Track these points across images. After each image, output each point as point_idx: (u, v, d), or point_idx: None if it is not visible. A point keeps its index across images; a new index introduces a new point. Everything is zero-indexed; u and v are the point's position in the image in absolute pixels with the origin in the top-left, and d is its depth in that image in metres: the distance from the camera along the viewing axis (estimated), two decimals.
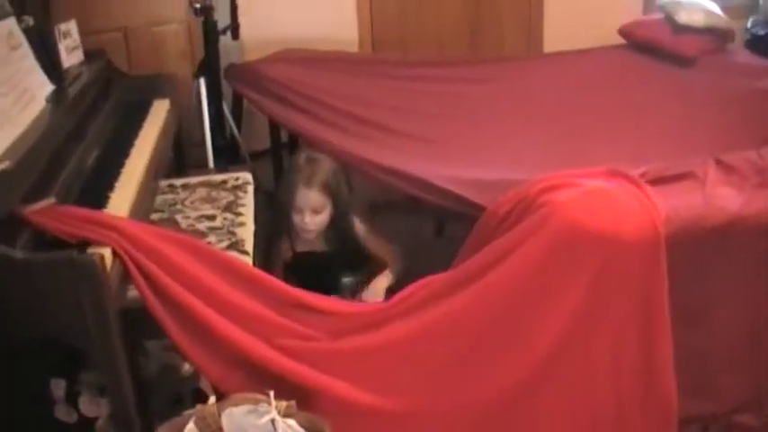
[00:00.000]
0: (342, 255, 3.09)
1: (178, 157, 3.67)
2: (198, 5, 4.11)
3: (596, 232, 2.43)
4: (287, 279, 2.84)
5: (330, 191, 3.00)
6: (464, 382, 2.46)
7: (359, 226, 3.11)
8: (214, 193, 3.15)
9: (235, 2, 4.23)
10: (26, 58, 2.75)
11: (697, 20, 4.42)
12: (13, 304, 1.97)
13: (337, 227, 3.07)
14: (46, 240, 2.07)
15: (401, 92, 4.16)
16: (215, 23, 4.13)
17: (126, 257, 2.12)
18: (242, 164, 4.11)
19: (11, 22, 2.76)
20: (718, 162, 2.86)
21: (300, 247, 3.12)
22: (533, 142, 3.67)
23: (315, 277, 2.92)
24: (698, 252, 2.54)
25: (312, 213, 2.99)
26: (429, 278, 2.57)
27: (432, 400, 2.43)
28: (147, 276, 2.17)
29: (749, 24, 5.07)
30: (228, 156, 4.25)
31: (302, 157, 3.13)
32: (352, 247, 3.09)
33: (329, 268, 3.09)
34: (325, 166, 3.05)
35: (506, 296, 2.47)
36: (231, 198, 3.12)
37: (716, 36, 4.46)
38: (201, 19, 4.13)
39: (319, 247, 3.11)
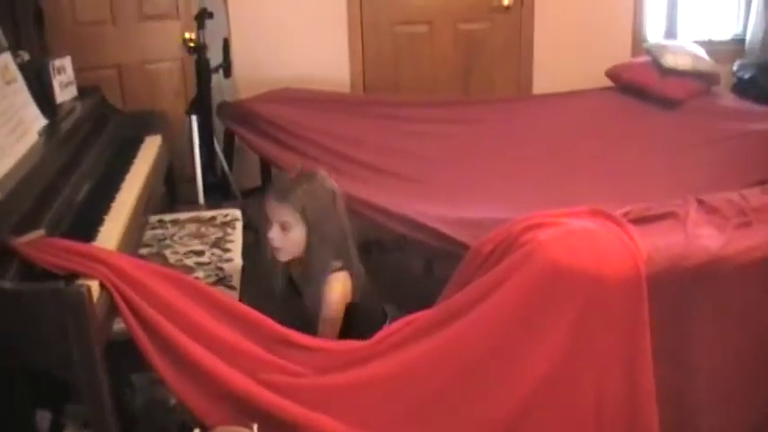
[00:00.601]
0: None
1: (169, 192, 3.71)
2: (191, 44, 4.17)
3: (579, 271, 2.45)
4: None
5: (305, 212, 2.71)
6: (448, 419, 2.46)
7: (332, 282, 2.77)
8: (203, 229, 3.18)
9: (228, 41, 4.28)
10: (21, 93, 2.80)
11: (683, 63, 4.48)
12: (0, 334, 1.99)
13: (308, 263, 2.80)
14: (35, 272, 2.09)
15: (391, 132, 4.19)
16: (208, 62, 4.18)
17: (113, 290, 2.15)
18: (233, 201, 4.14)
19: (6, 57, 2.81)
20: (700, 202, 2.89)
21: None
22: (520, 182, 3.72)
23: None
24: (679, 291, 2.55)
25: (280, 229, 2.73)
26: (413, 315, 2.59)
27: None
28: (134, 309, 2.19)
29: (735, 68, 5.13)
30: (219, 192, 4.28)
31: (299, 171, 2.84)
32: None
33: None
34: (312, 188, 2.76)
35: (489, 334, 2.48)
36: (220, 234, 3.14)
37: (702, 79, 4.52)
38: (195, 57, 4.17)
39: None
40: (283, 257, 2.78)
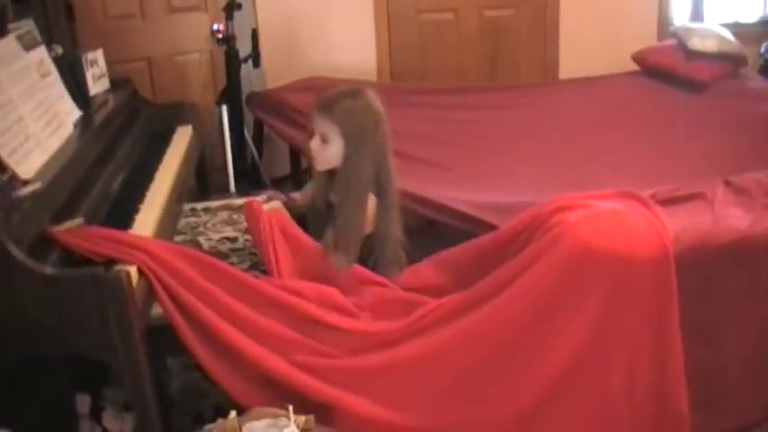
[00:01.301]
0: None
1: (201, 181, 3.76)
2: (220, 35, 4.21)
3: (607, 252, 2.48)
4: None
5: (344, 127, 2.73)
6: (479, 399, 2.49)
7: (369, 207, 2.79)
8: (235, 216, 3.23)
9: (256, 31, 4.32)
10: (55, 85, 2.86)
11: (709, 46, 4.46)
12: (42, 320, 2.05)
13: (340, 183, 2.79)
14: (74, 259, 2.15)
15: (418, 119, 4.21)
16: (237, 52, 4.22)
17: (151, 275, 2.20)
18: (263, 188, 4.19)
19: (41, 51, 2.87)
20: (728, 183, 2.90)
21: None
22: (547, 167, 3.73)
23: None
24: (707, 270, 2.57)
25: (320, 140, 2.76)
26: (445, 298, 2.62)
27: (447, 417, 2.46)
28: (172, 294, 2.25)
29: (762, 50, 5.10)
30: (249, 180, 4.33)
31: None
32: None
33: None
34: (353, 104, 2.76)
35: (520, 315, 2.51)
36: None
37: (728, 61, 4.49)
38: (224, 48, 4.22)
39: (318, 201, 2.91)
40: (320, 167, 2.83)
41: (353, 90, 2.81)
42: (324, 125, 2.75)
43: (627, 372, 2.52)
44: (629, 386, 2.53)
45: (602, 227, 2.55)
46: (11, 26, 2.87)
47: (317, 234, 2.80)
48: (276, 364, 2.35)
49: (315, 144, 2.78)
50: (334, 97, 2.78)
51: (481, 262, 2.74)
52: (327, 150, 2.77)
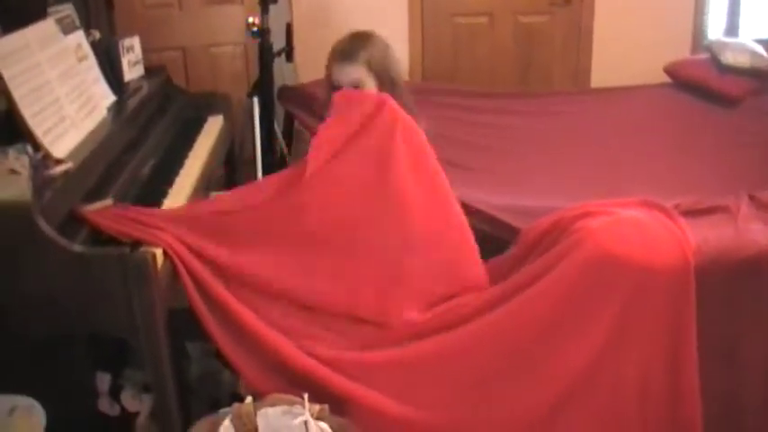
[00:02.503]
0: None
1: (229, 172, 3.80)
2: (255, 29, 4.25)
3: (627, 259, 2.49)
4: None
5: (376, 67, 2.80)
6: (493, 400, 2.51)
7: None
8: None
9: (291, 25, 4.35)
10: (92, 70, 2.91)
11: (742, 61, 4.43)
12: (68, 297, 2.10)
13: None
14: (102, 239, 2.19)
15: (449, 120, 4.22)
16: (271, 46, 4.25)
17: (176, 258, 2.24)
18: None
19: (79, 35, 2.92)
20: (752, 197, 2.90)
21: None
22: (575, 174, 3.73)
23: None
24: (727, 285, 2.56)
25: (354, 88, 2.77)
26: (464, 297, 2.64)
27: (462, 416, 2.48)
28: (195, 277, 2.29)
29: None
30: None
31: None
32: None
33: None
34: (372, 43, 2.84)
35: (537, 318, 2.52)
36: None
37: (760, 78, 4.45)
38: (258, 41, 4.25)
39: None
40: None
41: (360, 33, 2.88)
42: (351, 72, 2.78)
43: (640, 382, 2.53)
44: (643, 394, 2.53)
45: (623, 234, 2.56)
46: (51, 9, 2.92)
47: None
48: (293, 354, 2.38)
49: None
50: (348, 45, 2.82)
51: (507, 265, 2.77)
52: (366, 92, 2.78)
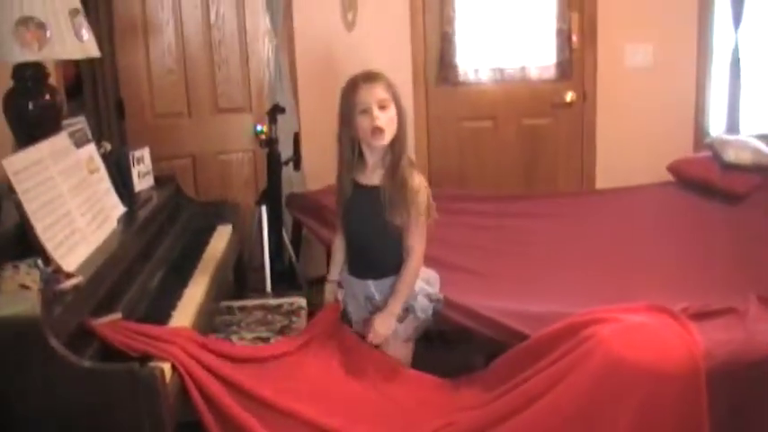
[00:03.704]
0: (390, 189, 2.88)
1: (238, 280, 3.82)
2: (264, 137, 4.33)
3: (639, 366, 2.48)
4: (345, 213, 2.99)
5: (393, 92, 2.88)
6: None
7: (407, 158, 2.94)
8: (269, 317, 3.27)
9: (298, 135, 4.43)
10: (102, 182, 2.96)
11: (744, 158, 4.46)
12: (76, 411, 2.09)
13: (394, 149, 2.89)
14: (111, 353, 2.20)
15: (455, 225, 4.24)
16: (279, 155, 4.32)
17: (184, 373, 2.24)
18: (299, 290, 4.23)
19: (91, 148, 2.99)
20: (761, 299, 2.89)
21: (362, 179, 2.97)
22: (582, 276, 3.73)
23: (364, 214, 2.93)
24: (738, 387, 2.55)
25: (379, 108, 2.83)
26: (477, 409, 2.63)
27: None
28: (204, 392, 2.28)
29: None
30: (286, 281, 4.37)
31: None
32: (399, 181, 2.88)
33: (376, 205, 2.89)
34: (384, 75, 2.92)
35: (552, 428, 2.51)
36: (285, 322, 3.22)
37: (764, 174, 4.48)
38: (266, 150, 4.33)
39: (377, 179, 2.93)
40: (387, 139, 2.86)
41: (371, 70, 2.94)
42: (378, 92, 2.83)
43: None
44: None
45: (633, 341, 2.57)
46: (65, 122, 3.00)
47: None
48: None
49: (376, 111, 2.81)
50: (371, 71, 2.90)
51: (516, 371, 2.74)
52: (389, 116, 2.84)
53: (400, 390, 2.79)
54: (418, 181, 2.91)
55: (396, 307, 2.89)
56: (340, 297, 3.10)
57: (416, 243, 2.92)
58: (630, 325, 2.65)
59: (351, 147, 2.91)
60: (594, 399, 2.50)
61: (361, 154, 2.93)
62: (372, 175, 2.93)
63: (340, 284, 3.13)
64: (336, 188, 3.03)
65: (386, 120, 2.83)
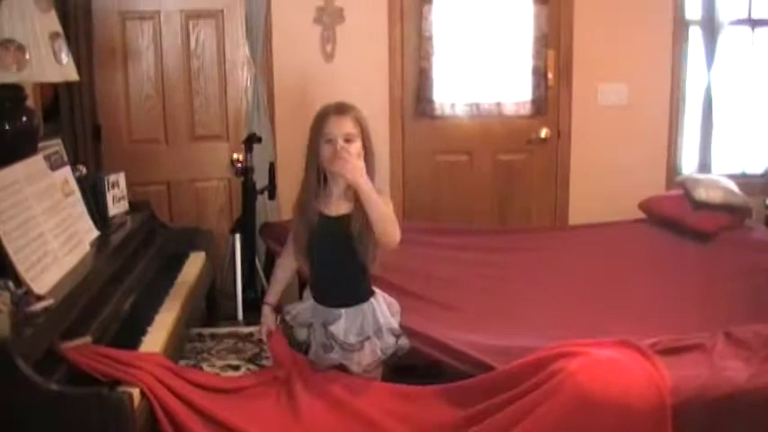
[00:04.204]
0: (359, 218, 2.86)
1: (210, 307, 3.81)
2: (240, 164, 4.34)
3: (605, 402, 2.51)
4: (310, 246, 2.93)
5: (361, 127, 2.86)
6: None
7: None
8: (240, 345, 3.26)
9: (274, 165, 4.44)
10: (77, 205, 2.97)
11: (714, 197, 4.53)
12: None
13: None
14: (80, 377, 2.19)
15: (429, 258, 4.25)
16: (254, 184, 4.33)
17: (153, 398, 2.23)
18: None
19: (66, 171, 2.99)
20: (728, 335, 2.93)
21: (327, 210, 2.93)
22: (553, 311, 3.75)
23: (333, 243, 2.91)
24: (705, 422, 2.57)
25: (345, 141, 2.82)
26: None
27: None
28: (172, 418, 2.27)
29: None
30: (258, 309, 4.35)
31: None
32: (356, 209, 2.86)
33: (344, 234, 2.87)
34: (357, 108, 2.91)
35: None
36: (256, 350, 3.21)
37: (734, 213, 4.55)
38: (241, 179, 4.33)
39: (345, 208, 2.91)
40: (352, 174, 2.80)
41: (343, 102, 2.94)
42: (346, 125, 2.84)
43: None
44: None
45: (601, 375, 2.59)
46: (41, 144, 2.99)
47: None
48: None
49: (341, 142, 2.81)
50: (340, 104, 2.90)
51: (481, 402, 2.74)
52: (354, 149, 2.82)
53: (365, 402, 2.77)
54: (389, 203, 2.91)
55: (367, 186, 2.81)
56: (275, 323, 3.09)
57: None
58: (598, 359, 2.67)
59: (317, 176, 2.91)
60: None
61: (326, 184, 2.93)
62: (338, 206, 2.91)
63: (277, 309, 3.12)
64: (297, 215, 2.99)
65: (352, 150, 2.82)
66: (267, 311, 3.10)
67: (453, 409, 2.77)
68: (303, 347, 3.06)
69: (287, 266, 3.16)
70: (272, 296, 3.15)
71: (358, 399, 2.75)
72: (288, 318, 3.06)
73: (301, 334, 3.04)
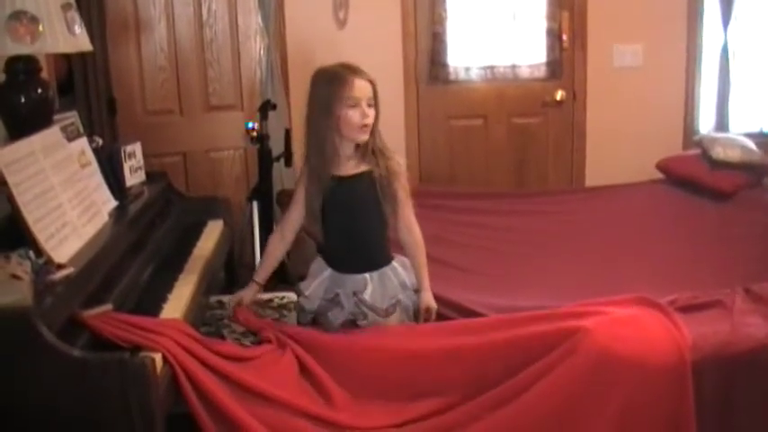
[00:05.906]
0: (371, 176, 2.84)
1: (229, 275, 3.83)
2: (255, 134, 4.34)
3: (624, 359, 2.50)
4: (325, 210, 2.87)
5: (375, 90, 2.81)
6: None
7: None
8: (260, 311, 3.27)
9: (290, 131, 4.44)
10: (94, 176, 2.97)
11: (732, 156, 4.51)
12: (67, 402, 2.09)
13: (374, 137, 2.85)
14: (102, 344, 2.21)
15: (446, 223, 4.26)
16: (270, 151, 4.33)
17: (175, 364, 2.25)
18: (289, 285, 4.23)
19: (83, 142, 2.99)
20: (747, 291, 2.92)
21: (341, 171, 2.88)
22: (571, 272, 3.75)
23: (353, 205, 2.87)
24: (725, 378, 2.57)
25: (368, 106, 2.78)
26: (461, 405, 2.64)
27: None
28: (194, 383, 2.28)
29: None
30: (276, 276, 4.37)
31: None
32: (384, 165, 2.84)
33: (365, 194, 2.85)
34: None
35: (537, 421, 2.52)
36: (276, 316, 3.24)
37: (752, 172, 4.52)
38: (257, 146, 4.34)
39: (358, 166, 2.87)
40: (367, 136, 2.82)
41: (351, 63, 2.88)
42: (368, 89, 2.79)
43: None
44: None
45: (619, 333, 2.58)
46: (56, 117, 3.01)
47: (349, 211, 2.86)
48: None
49: (366, 109, 2.78)
50: (352, 65, 2.84)
51: (499, 362, 2.75)
52: (373, 113, 2.80)
53: (394, 341, 2.76)
54: (402, 162, 2.90)
55: (427, 281, 2.92)
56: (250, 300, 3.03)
57: (413, 217, 2.93)
58: (617, 318, 2.67)
59: (331, 139, 2.83)
60: (581, 392, 2.51)
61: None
62: (350, 166, 2.87)
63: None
64: (307, 180, 2.92)
65: (372, 118, 2.80)
66: (253, 290, 3.03)
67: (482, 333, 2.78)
68: (309, 318, 3.02)
69: (283, 239, 3.08)
70: (262, 274, 3.06)
71: (386, 339, 2.76)
72: (303, 296, 2.99)
73: (311, 303, 2.97)
